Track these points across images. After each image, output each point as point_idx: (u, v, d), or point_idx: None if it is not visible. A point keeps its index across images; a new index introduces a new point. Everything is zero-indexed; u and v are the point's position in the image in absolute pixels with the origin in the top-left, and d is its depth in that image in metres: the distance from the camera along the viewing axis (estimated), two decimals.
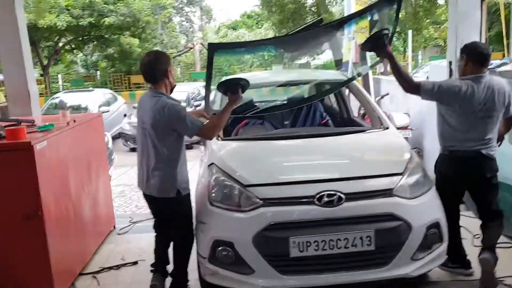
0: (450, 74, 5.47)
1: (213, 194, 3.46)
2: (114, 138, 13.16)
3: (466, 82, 3.45)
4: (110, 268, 4.41)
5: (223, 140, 4.08)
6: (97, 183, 4.97)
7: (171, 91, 3.44)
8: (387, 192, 3.30)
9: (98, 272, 4.35)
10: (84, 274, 4.31)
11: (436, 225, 3.39)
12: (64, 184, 4.07)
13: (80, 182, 4.45)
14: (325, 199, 3.21)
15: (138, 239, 5.08)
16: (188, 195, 3.53)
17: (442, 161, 3.71)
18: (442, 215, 3.47)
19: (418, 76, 16.97)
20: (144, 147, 3.37)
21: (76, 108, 13.09)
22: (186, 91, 13.88)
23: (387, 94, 8.95)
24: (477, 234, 4.46)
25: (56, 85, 28.47)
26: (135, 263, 4.48)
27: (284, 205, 3.25)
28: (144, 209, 6.64)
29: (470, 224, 4.75)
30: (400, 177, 3.39)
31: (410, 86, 3.55)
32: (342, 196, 3.23)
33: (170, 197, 3.39)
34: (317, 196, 3.23)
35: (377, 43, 3.51)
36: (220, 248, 3.28)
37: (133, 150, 11.83)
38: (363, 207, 3.24)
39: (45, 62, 25.68)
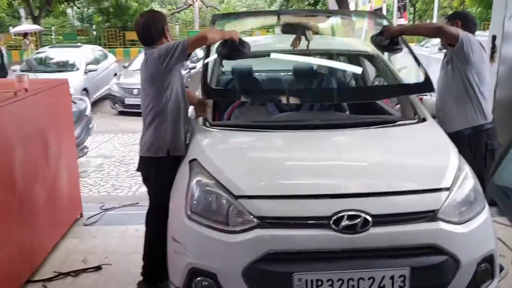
0: (493, 51, 4.51)
1: (193, 204, 2.57)
2: (102, 99, 12.30)
3: None
4: (67, 274, 3.55)
5: (211, 126, 3.14)
6: (59, 164, 4.07)
7: None
8: (429, 215, 2.42)
9: (50, 279, 3.49)
10: (33, 282, 3.46)
11: (489, 258, 2.53)
12: (6, 168, 3.18)
13: (32, 164, 3.56)
14: (345, 222, 2.33)
15: (108, 233, 4.24)
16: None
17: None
18: (495, 244, 2.62)
19: (429, 50, 15.89)
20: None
21: (63, 65, 12.12)
22: None
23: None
24: None
25: (49, 38, 27.24)
26: (98, 268, 3.62)
27: (288, 228, 2.36)
28: (122, 189, 5.81)
29: (508, 235, 3.93)
30: (447, 193, 2.50)
31: (449, 32, 3.23)
32: (369, 218, 2.34)
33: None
34: (334, 217, 2.34)
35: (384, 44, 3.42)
36: (198, 279, 2.43)
37: (121, 113, 10.92)
38: (397, 235, 2.37)
39: (37, 13, 24.28)
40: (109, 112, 11.42)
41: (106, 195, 5.58)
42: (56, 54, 12.75)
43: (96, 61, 12.83)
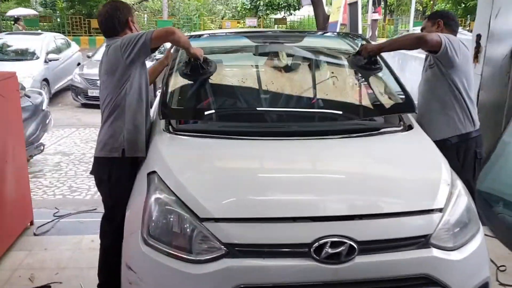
0: (477, 51, 4.27)
1: (151, 226, 2.20)
2: (64, 90, 11.69)
3: None
4: None
5: (174, 132, 2.76)
6: (5, 165, 3.63)
7: None
8: (421, 241, 2.14)
9: None
10: None
11: (484, 287, 2.27)
12: None
13: None
14: (328, 250, 2.02)
15: (60, 245, 3.82)
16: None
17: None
18: (489, 269, 2.37)
19: None
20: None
21: (21, 54, 11.43)
22: None
23: None
24: (502, 266, 3.41)
25: (10, 23, 26.04)
26: (46, 287, 3.22)
27: (261, 257, 2.03)
28: (80, 192, 5.38)
29: (490, 246, 3.70)
30: (440, 215, 2.21)
31: (430, 40, 3.00)
32: (354, 245, 2.04)
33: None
34: (315, 244, 2.03)
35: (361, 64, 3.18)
36: None
37: (84, 105, 10.37)
38: (386, 265, 2.07)
39: None
40: (71, 104, 10.86)
41: (61, 198, 5.13)
42: (15, 41, 11.99)
43: (58, 50, 12.16)
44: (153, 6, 31.34)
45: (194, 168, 2.44)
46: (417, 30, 14.83)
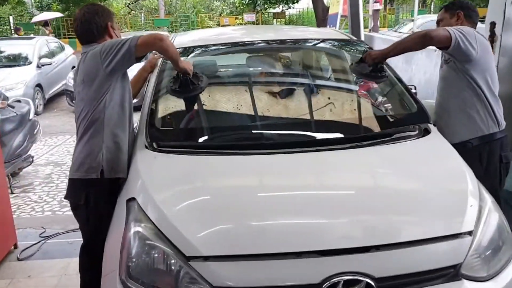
0: (492, 40, 3.91)
1: (130, 264, 1.87)
2: (60, 95, 11.37)
3: None
4: None
5: (158, 149, 2.39)
6: None
7: None
8: (450, 272, 1.81)
9: None
10: None
11: None
12: None
13: None
14: None
15: (46, 270, 3.51)
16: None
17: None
18: None
19: (403, 34, 15.40)
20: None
21: (13, 59, 11.10)
22: None
23: None
24: None
25: (6, 27, 25.74)
26: None
27: None
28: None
29: None
30: (470, 239, 1.87)
31: (437, 36, 2.67)
32: (372, 283, 1.70)
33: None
34: (326, 284, 1.70)
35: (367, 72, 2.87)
36: None
37: None
38: None
39: None
40: (67, 109, 10.53)
41: (50, 215, 4.79)
42: (6, 46, 11.66)
43: (51, 54, 11.83)
44: (149, 5, 30.90)
45: (179, 194, 2.10)
46: (421, 18, 14.35)
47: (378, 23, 10.38)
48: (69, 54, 13.05)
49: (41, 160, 6.68)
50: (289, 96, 2.92)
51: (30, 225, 4.37)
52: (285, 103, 2.86)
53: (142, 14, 28.39)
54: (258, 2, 25.11)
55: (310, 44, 3.41)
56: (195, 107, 2.78)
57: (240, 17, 25.22)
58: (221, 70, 3.17)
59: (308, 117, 2.79)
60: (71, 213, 4.66)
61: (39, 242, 3.95)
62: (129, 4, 28.60)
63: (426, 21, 15.22)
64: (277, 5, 25.47)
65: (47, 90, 10.79)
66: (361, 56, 2.91)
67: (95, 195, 2.47)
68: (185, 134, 2.68)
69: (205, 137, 2.60)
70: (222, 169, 2.24)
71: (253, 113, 2.77)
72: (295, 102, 2.90)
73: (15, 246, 3.84)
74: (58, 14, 21.46)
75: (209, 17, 26.37)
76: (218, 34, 3.79)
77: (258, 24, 23.99)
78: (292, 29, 4.66)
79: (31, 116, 5.94)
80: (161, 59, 2.99)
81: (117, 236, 2.00)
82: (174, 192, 2.11)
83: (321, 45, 3.41)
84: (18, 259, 3.69)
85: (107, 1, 23.91)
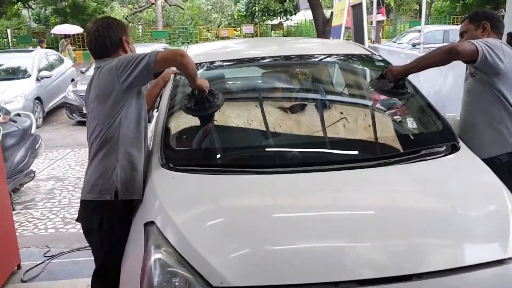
0: None
1: None
2: (59, 108, 11.25)
3: None
4: None
5: (175, 168, 2.27)
6: None
7: None
8: None
9: None
10: None
11: None
12: None
13: None
14: None
15: None
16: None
17: None
18: None
19: (403, 45, 15.36)
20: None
21: (12, 72, 10.98)
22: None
23: None
24: None
25: (4, 40, 25.71)
26: None
27: None
28: (74, 224, 4.90)
29: None
30: None
31: (463, 50, 2.56)
32: None
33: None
34: None
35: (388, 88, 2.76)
36: None
37: (80, 123, 9.93)
38: None
39: None
40: (66, 123, 10.43)
41: (54, 233, 4.65)
42: (5, 59, 11.56)
43: (50, 67, 11.73)
44: (147, 17, 30.95)
45: (202, 217, 1.97)
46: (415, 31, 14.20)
47: (381, 34, 10.35)
48: (68, 67, 12.97)
49: (42, 175, 6.55)
50: (311, 113, 2.81)
51: (33, 243, 4.23)
52: (306, 121, 2.75)
53: (140, 26, 28.42)
54: (256, 14, 25.16)
55: (332, 59, 3.31)
56: (212, 125, 2.66)
57: (239, 29, 25.28)
58: (238, 87, 3.05)
59: (332, 135, 2.67)
60: (75, 230, 4.67)
61: (43, 262, 3.81)
62: (127, 16, 28.59)
63: (426, 31, 15.24)
64: (275, 17, 25.53)
65: (46, 103, 10.69)
66: (381, 71, 2.82)
67: (109, 218, 2.33)
68: (203, 154, 2.56)
69: (225, 157, 2.48)
70: (246, 189, 2.12)
71: (274, 131, 2.65)
72: (317, 120, 2.78)
73: (19, 267, 3.69)
74: (79, 29, 21.48)
75: (207, 29, 26.40)
76: (232, 48, 3.68)
77: (256, 36, 24.00)
78: (309, 42, 4.51)
79: (33, 130, 5.83)
80: (173, 74, 2.88)
81: (135, 263, 1.88)
82: (196, 214, 1.99)
83: (343, 60, 3.32)
84: (22, 281, 3.54)
85: (105, 14, 23.93)
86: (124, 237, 2.20)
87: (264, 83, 3.20)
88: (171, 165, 2.28)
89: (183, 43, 24.12)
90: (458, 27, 16.73)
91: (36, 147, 5.82)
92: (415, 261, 1.74)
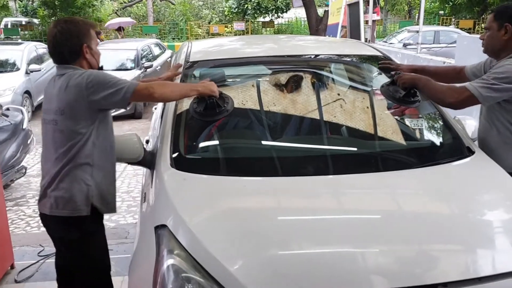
0: None
1: None
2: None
3: None
4: None
5: (184, 168, 2.18)
6: None
7: None
8: None
9: None
10: None
11: None
12: None
13: None
14: None
15: None
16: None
17: None
18: None
19: (394, 45, 15.37)
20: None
21: (2, 65, 10.76)
22: (135, 49, 11.60)
23: None
24: None
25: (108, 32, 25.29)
26: None
27: None
28: None
29: None
30: None
31: (460, 97, 2.42)
32: None
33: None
34: None
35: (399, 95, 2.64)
36: None
37: None
38: None
39: None
40: None
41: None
42: None
43: (40, 60, 11.52)
44: (138, 12, 30.61)
45: (217, 219, 1.90)
46: (464, 35, 14.16)
47: (375, 33, 10.33)
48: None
49: (32, 171, 6.41)
50: (324, 118, 2.72)
51: (27, 242, 4.12)
52: (318, 126, 2.68)
53: None
54: (248, 11, 25.02)
55: (343, 62, 3.24)
56: (222, 129, 2.59)
57: (230, 25, 25.11)
58: (248, 88, 2.96)
59: (346, 139, 2.62)
60: None
61: (37, 261, 3.69)
62: (117, 10, 28.25)
63: (413, 33, 15.36)
64: (267, 14, 25.41)
65: (35, 97, 10.49)
66: (392, 77, 2.75)
67: (90, 226, 2.36)
68: (215, 159, 2.46)
69: (237, 160, 2.40)
70: (261, 191, 2.05)
71: (288, 135, 2.59)
72: (330, 122, 2.70)
73: (12, 267, 3.58)
74: (131, 21, 21.52)
75: (198, 25, 26.18)
76: (238, 47, 3.59)
77: (247, 33, 23.86)
78: (314, 41, 4.41)
79: (25, 125, 5.69)
80: (181, 68, 2.80)
81: (146, 269, 1.81)
82: (210, 216, 1.92)
83: (357, 63, 3.25)
84: (16, 281, 3.44)
85: (95, 7, 23.59)
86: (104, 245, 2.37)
87: (276, 85, 3.12)
88: (182, 165, 2.19)
89: (173, 38, 23.89)
90: (447, 28, 16.78)
91: (28, 142, 5.68)
92: (440, 270, 1.68)
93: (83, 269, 2.44)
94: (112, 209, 2.45)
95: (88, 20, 2.65)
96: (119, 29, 17.92)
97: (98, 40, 2.55)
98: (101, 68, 2.50)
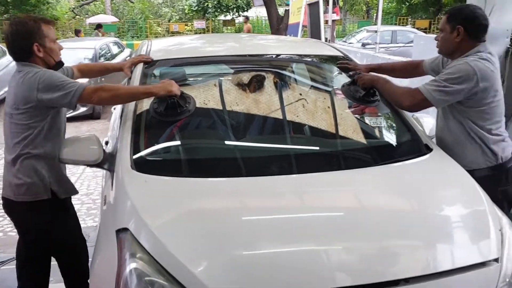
0: (508, 52, 3.88)
1: None
2: (2, 103, 10.67)
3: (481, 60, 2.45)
4: None
5: (145, 170, 2.13)
6: None
7: (55, 68, 2.56)
8: None
9: None
10: None
11: None
12: None
13: None
14: None
15: None
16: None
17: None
18: None
19: (353, 45, 15.63)
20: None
21: None
22: (93, 48, 11.36)
23: None
24: None
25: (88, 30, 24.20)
26: None
27: None
28: None
29: None
30: (497, 266, 1.77)
31: (414, 100, 2.52)
32: None
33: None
34: None
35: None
36: None
37: None
38: None
39: None
40: None
41: (2, 236, 4.38)
42: None
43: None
44: (95, 10, 29.97)
45: (179, 221, 1.88)
46: (421, 34, 14.46)
47: (335, 33, 10.48)
48: (11, 60, 12.32)
49: None
50: (285, 116, 2.74)
51: None
52: (278, 123, 2.69)
53: (88, 20, 27.48)
54: (208, 9, 24.92)
55: (305, 61, 3.26)
56: (183, 130, 2.55)
57: (190, 23, 24.92)
58: (210, 88, 2.92)
59: (309, 139, 2.65)
60: None
61: None
62: (73, 8, 27.59)
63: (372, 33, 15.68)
64: (228, 13, 25.37)
65: None
66: (352, 76, 2.81)
67: (45, 214, 2.55)
68: (176, 161, 2.42)
69: (199, 161, 2.37)
70: (224, 192, 2.03)
71: (251, 134, 2.58)
72: (293, 122, 2.72)
73: None
74: (113, 18, 21.07)
75: (157, 23, 25.87)
76: (200, 45, 3.55)
77: (208, 31, 23.75)
78: (276, 40, 4.41)
79: None
80: (140, 66, 2.75)
81: (107, 273, 1.76)
82: (172, 219, 1.89)
83: (318, 63, 3.28)
84: None
85: (50, 5, 22.95)
86: (56, 229, 2.59)
87: (238, 85, 3.10)
88: (140, 167, 2.15)
89: (132, 37, 23.52)
90: (404, 28, 17.16)
91: None
92: (402, 266, 1.72)
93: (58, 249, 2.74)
94: (70, 191, 2.69)
95: (43, 16, 2.74)
96: (99, 26, 17.63)
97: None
98: (60, 64, 2.61)
